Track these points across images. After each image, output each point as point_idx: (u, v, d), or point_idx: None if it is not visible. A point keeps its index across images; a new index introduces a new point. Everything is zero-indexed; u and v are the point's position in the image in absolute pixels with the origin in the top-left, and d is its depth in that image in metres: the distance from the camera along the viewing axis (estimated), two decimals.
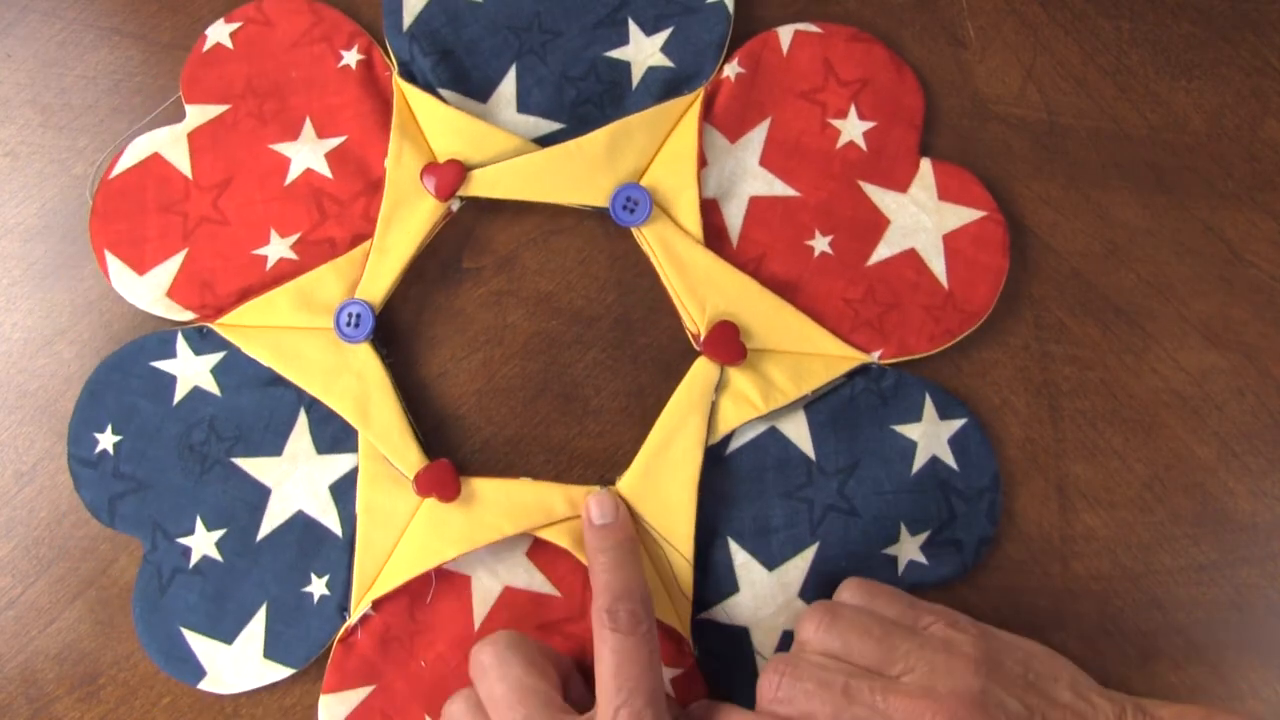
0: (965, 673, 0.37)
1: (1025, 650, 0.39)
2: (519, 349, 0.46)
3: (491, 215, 0.46)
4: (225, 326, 0.44)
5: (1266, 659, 0.44)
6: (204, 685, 0.42)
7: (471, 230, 0.46)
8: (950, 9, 0.48)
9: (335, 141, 0.45)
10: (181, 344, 0.44)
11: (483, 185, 0.44)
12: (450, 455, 0.44)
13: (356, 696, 0.42)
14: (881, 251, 0.45)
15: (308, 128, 0.45)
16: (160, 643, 0.43)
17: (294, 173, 0.45)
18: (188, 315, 0.45)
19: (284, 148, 0.45)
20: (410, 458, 0.43)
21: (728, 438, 0.44)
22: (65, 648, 0.44)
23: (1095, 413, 0.45)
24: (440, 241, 0.46)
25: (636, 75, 0.46)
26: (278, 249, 0.45)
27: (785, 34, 0.46)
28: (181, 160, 0.45)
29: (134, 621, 0.43)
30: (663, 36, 0.46)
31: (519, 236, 0.46)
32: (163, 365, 0.44)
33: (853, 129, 0.45)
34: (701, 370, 0.43)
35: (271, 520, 0.43)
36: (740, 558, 0.43)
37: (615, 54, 0.46)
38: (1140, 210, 0.46)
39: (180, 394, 0.44)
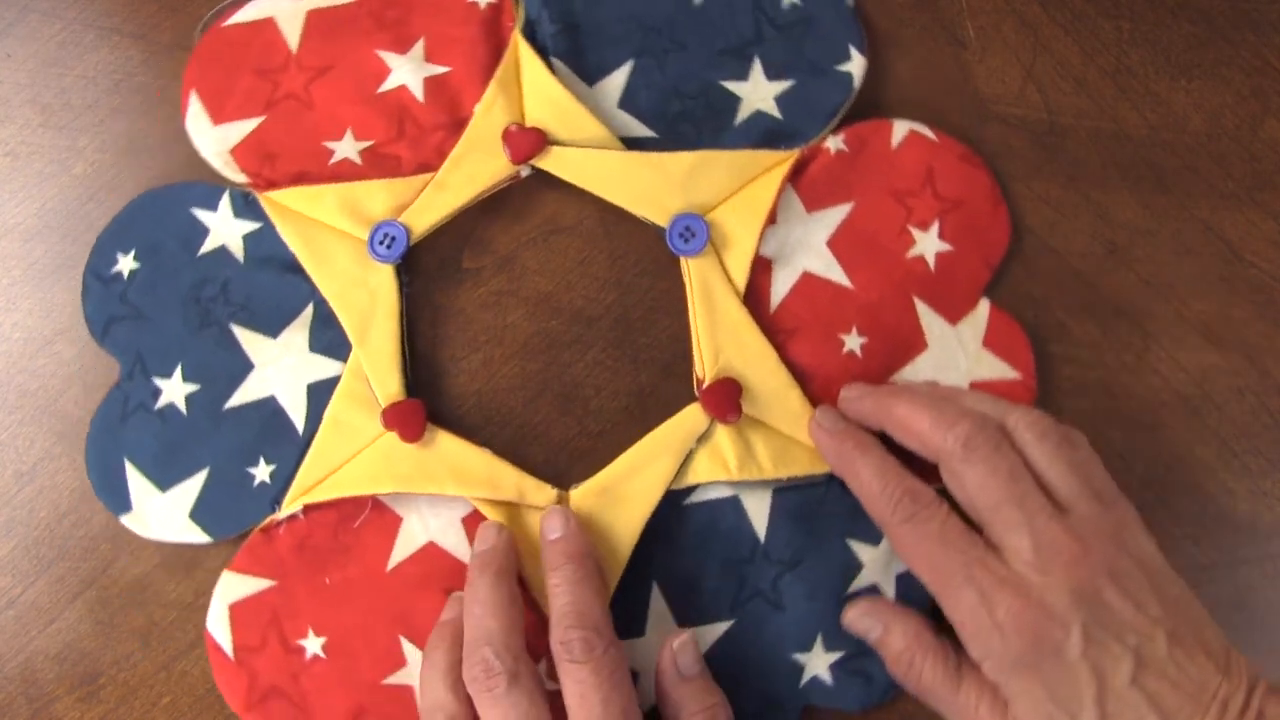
0: (1118, 540, 0.36)
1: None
2: (519, 349, 0.46)
3: (492, 215, 0.46)
4: (270, 201, 0.45)
5: (1266, 659, 0.44)
6: (125, 520, 0.43)
7: (471, 230, 0.46)
8: (950, 9, 0.48)
9: (438, 70, 0.46)
10: (225, 202, 0.45)
11: (557, 163, 0.44)
12: None
13: (257, 585, 0.42)
14: (907, 373, 0.43)
15: (418, 48, 0.46)
16: (102, 467, 0.43)
17: (389, 84, 0.46)
18: (241, 178, 0.45)
19: (389, 57, 0.46)
20: (390, 388, 0.43)
21: (692, 488, 0.43)
22: (65, 648, 0.44)
23: (1095, 413, 0.45)
24: (440, 241, 0.46)
25: (743, 114, 0.45)
26: (347, 148, 0.45)
27: (900, 129, 0.45)
28: (293, 33, 0.46)
29: (86, 440, 0.43)
30: (781, 86, 0.45)
31: (519, 236, 0.46)
32: (201, 215, 0.45)
33: (929, 244, 0.44)
34: (690, 415, 0.43)
35: (244, 394, 0.43)
36: (657, 605, 0.42)
37: (731, 85, 0.46)
38: (1140, 210, 0.46)
39: (207, 247, 0.45)
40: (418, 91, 0.45)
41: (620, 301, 0.46)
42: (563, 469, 0.45)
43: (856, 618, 0.40)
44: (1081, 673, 0.34)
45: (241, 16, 0.46)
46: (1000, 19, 0.48)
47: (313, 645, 0.42)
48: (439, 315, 0.46)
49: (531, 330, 0.46)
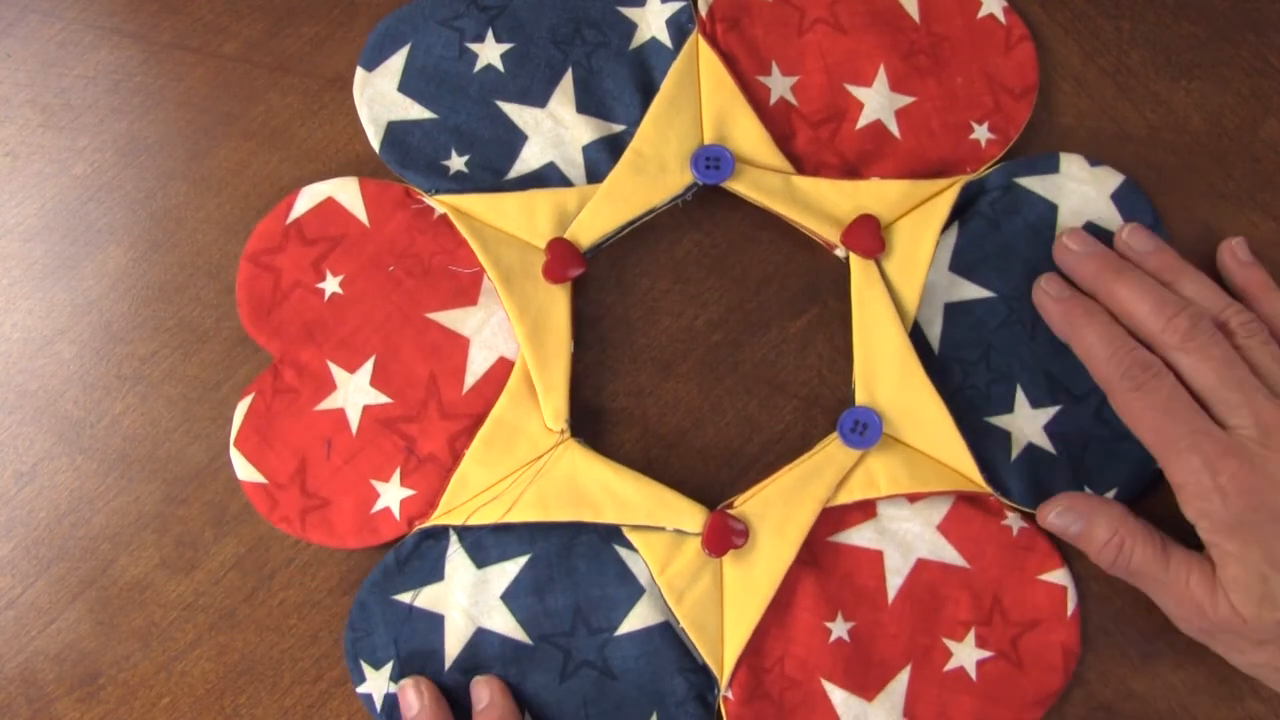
0: None
1: None
2: None
3: None
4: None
5: None
6: (359, 72, 0.46)
7: None
8: None
9: (907, 100, 0.46)
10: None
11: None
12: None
13: (358, 209, 0.45)
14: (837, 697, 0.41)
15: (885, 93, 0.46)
16: (390, 32, 0.47)
17: (862, 108, 0.46)
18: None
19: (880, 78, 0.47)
20: (586, 237, 0.44)
21: (667, 608, 0.42)
22: (65, 648, 0.44)
23: None
24: None
25: (1000, 422, 0.43)
26: (780, 87, 0.46)
27: (1071, 595, 0.42)
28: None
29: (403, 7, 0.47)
30: (1045, 447, 0.43)
31: None
32: (628, 11, 0.47)
33: (966, 655, 0.42)
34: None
35: (523, 117, 0.46)
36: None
37: (1020, 399, 0.44)
38: None
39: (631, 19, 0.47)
40: (891, 124, 0.46)
41: (621, 301, 0.46)
42: None
43: (1057, 515, 0.41)
44: None
45: None
46: None
47: (331, 285, 0.44)
48: None
49: None
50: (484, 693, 0.41)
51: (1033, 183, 0.45)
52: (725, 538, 0.41)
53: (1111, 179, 0.45)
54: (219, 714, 0.43)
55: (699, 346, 0.45)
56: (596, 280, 0.46)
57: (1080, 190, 0.45)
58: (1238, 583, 0.37)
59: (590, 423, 0.45)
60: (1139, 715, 0.42)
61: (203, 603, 0.44)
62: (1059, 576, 0.42)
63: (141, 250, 0.46)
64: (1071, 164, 0.45)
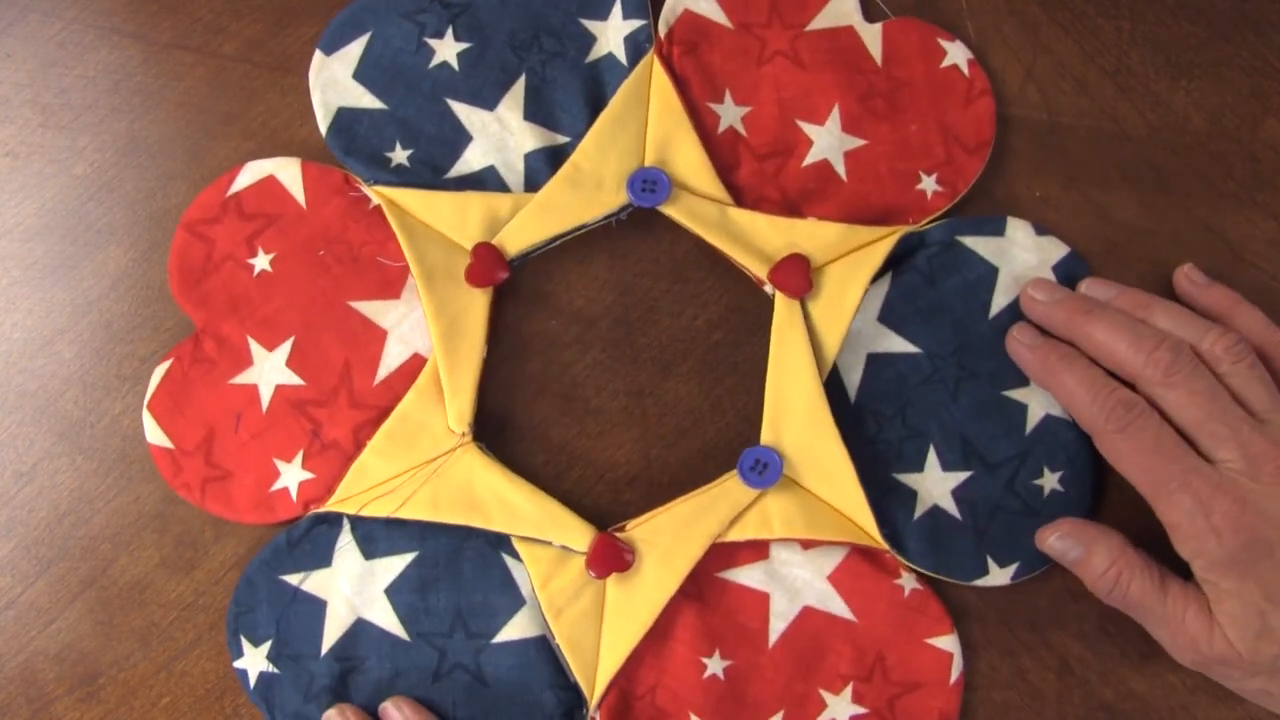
0: None
1: None
2: (519, 349, 0.45)
3: None
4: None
5: None
6: (315, 59, 0.46)
7: None
8: (950, 9, 0.48)
9: (857, 143, 0.45)
10: (618, 9, 0.47)
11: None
12: None
13: (297, 191, 0.45)
14: None
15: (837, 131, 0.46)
16: (350, 20, 0.47)
17: (812, 138, 0.46)
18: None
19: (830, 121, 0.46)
20: (514, 245, 0.44)
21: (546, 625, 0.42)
22: (65, 648, 0.44)
23: None
24: None
25: (907, 480, 0.43)
26: (730, 116, 0.46)
27: (957, 660, 0.42)
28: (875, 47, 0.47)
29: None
30: (947, 509, 0.43)
31: None
32: (589, 24, 0.47)
33: (841, 708, 0.41)
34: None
35: (471, 117, 0.46)
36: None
37: (929, 461, 0.43)
38: (1140, 210, 0.46)
39: (594, 54, 0.47)
40: (839, 166, 0.45)
41: (620, 301, 0.46)
42: (563, 469, 0.45)
43: (1057, 539, 0.41)
44: None
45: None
46: (1000, 19, 0.48)
47: (261, 262, 0.44)
48: None
49: (531, 330, 0.46)
50: (396, 716, 0.41)
51: (976, 243, 0.45)
52: (610, 560, 0.41)
53: (1055, 250, 0.45)
54: (219, 714, 0.43)
55: (699, 346, 0.45)
56: (597, 280, 0.46)
57: (1023, 257, 0.45)
58: (1235, 618, 0.37)
59: (591, 423, 0.45)
60: (1139, 715, 0.43)
61: (203, 603, 0.44)
62: (947, 643, 0.42)
63: (141, 250, 0.46)
64: (1018, 229, 0.45)
